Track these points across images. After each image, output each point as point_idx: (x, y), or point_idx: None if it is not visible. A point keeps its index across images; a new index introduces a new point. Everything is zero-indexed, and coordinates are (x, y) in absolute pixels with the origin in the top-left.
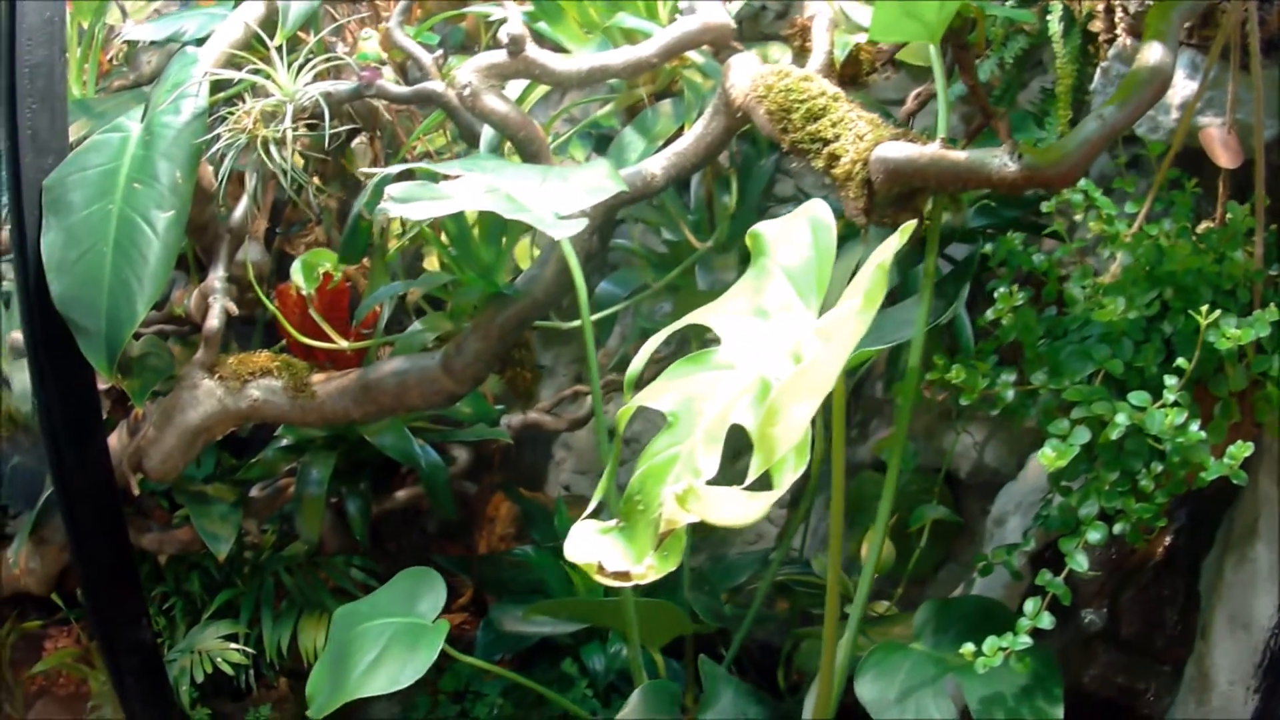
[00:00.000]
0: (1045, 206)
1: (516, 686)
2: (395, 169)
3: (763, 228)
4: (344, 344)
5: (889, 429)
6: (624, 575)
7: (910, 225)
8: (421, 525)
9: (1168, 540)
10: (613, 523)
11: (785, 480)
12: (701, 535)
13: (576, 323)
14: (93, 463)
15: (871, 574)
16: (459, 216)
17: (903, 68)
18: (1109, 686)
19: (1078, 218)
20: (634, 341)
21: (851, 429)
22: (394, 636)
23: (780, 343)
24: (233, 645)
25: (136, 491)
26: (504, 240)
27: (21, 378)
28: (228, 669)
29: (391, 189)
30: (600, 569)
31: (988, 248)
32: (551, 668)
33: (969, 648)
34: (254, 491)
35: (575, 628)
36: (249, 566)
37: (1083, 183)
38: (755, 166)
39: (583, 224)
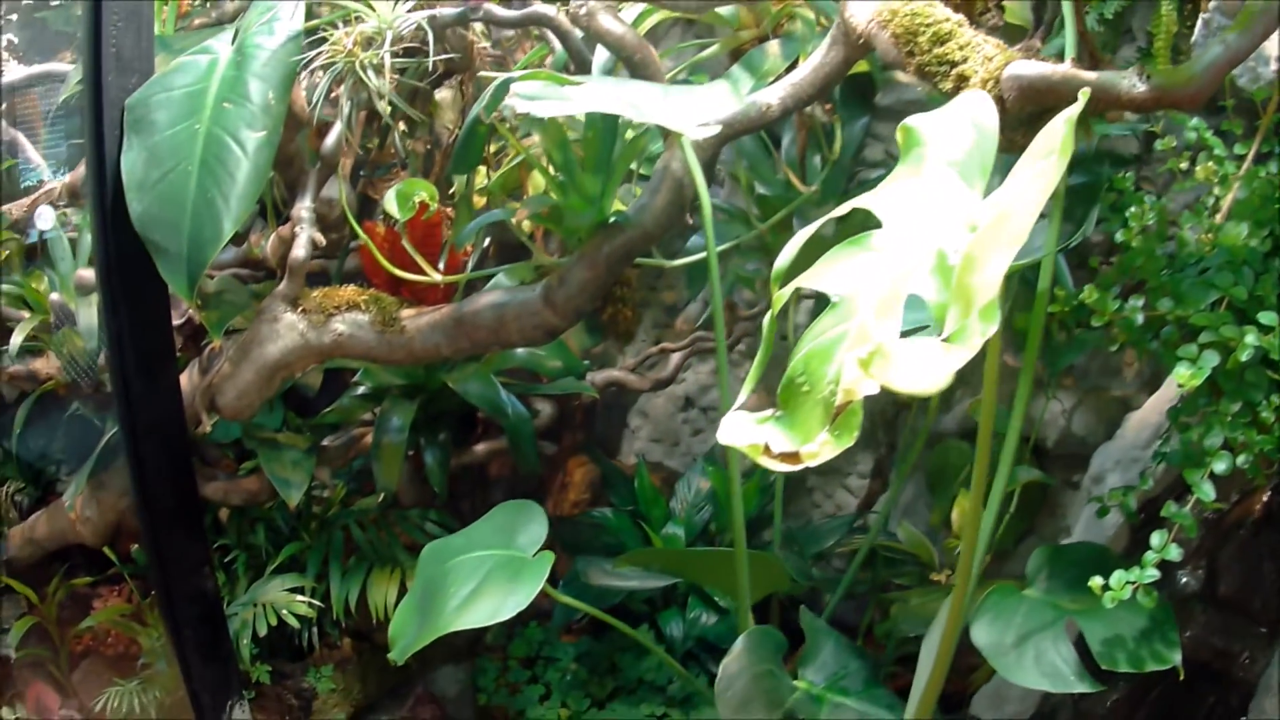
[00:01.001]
0: (1160, 144)
1: (590, 652)
2: (519, 73)
3: (915, 121)
4: (437, 277)
5: (974, 398)
6: (792, 456)
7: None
8: (496, 485)
9: (1266, 497)
10: (768, 413)
11: (974, 340)
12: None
13: (679, 261)
14: (163, 397)
15: (980, 533)
16: (564, 146)
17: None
18: (1204, 649)
19: (1183, 165)
20: (725, 298)
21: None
22: (493, 569)
23: (951, 218)
24: (299, 598)
25: (208, 428)
26: (611, 171)
27: (88, 314)
28: (293, 622)
29: (518, 86)
30: (766, 450)
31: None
32: (625, 636)
33: (1097, 581)
34: (327, 441)
35: (663, 583)
36: (317, 521)
37: (1193, 121)
38: (850, 126)
39: (715, 130)
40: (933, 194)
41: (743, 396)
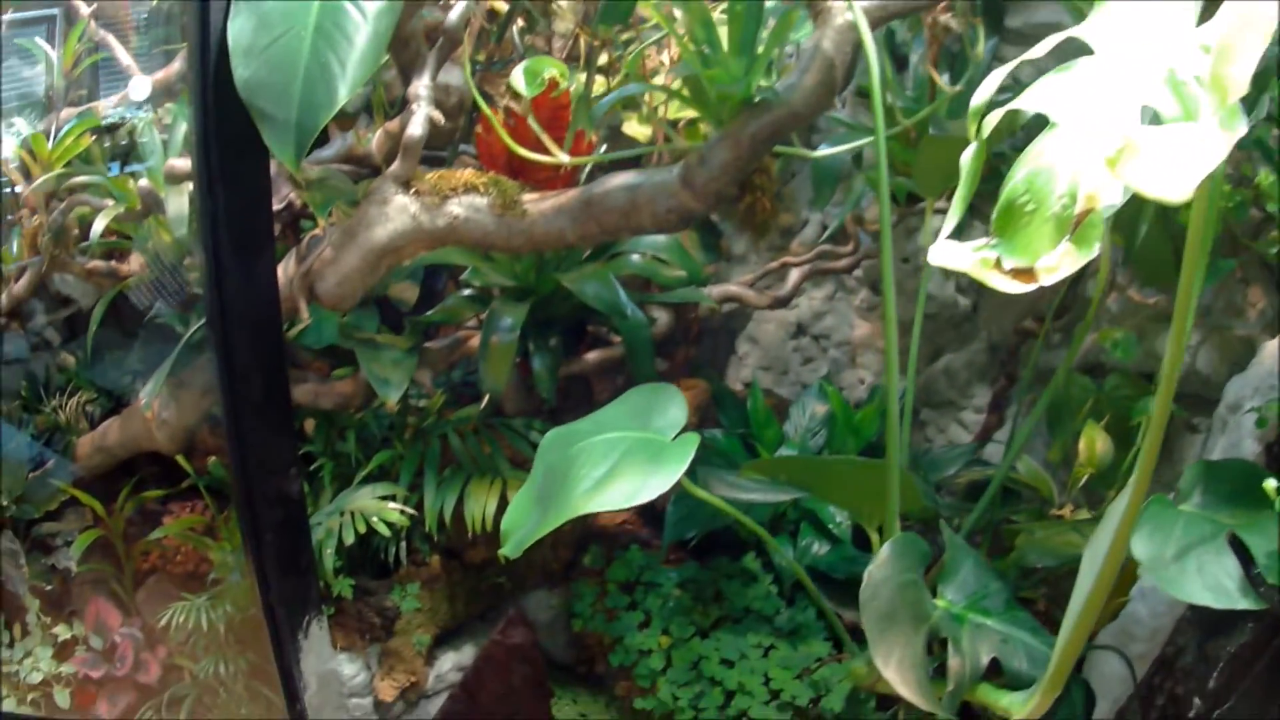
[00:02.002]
0: None
1: (694, 579)
2: None
3: None
4: (564, 158)
5: (1105, 329)
6: (1026, 273)
7: None
8: (604, 398)
9: None
10: (982, 241)
11: (1237, 129)
12: None
13: (820, 152)
14: (258, 282)
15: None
16: (709, 25)
17: None
18: None
19: None
20: (851, 210)
21: (1054, 332)
22: (628, 451)
23: (1174, 39)
24: (391, 505)
25: (306, 318)
26: (756, 52)
27: (178, 202)
28: (383, 530)
29: None
30: (997, 265)
31: None
32: (732, 563)
33: (1271, 484)
34: (430, 344)
35: (788, 496)
36: (411, 431)
37: None
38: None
39: None
40: (1148, 19)
41: (950, 224)
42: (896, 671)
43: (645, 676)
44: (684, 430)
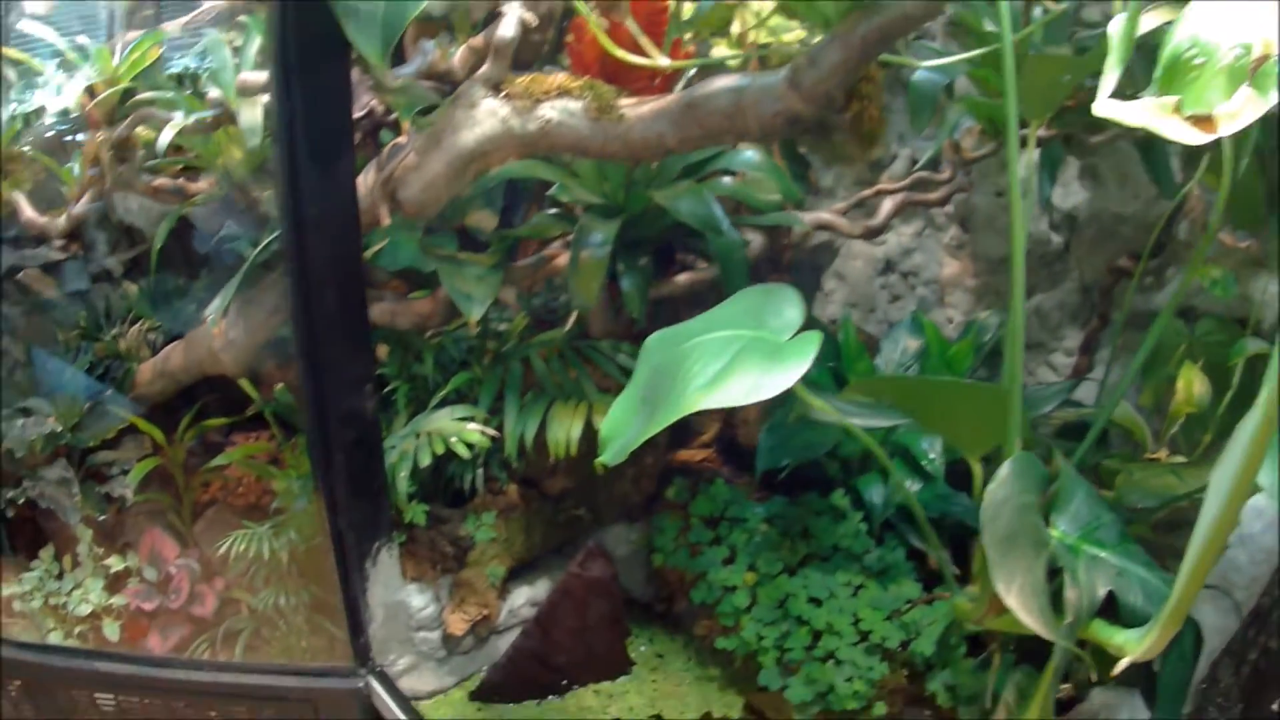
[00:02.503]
0: None
1: (781, 515)
2: None
3: None
4: (664, 61)
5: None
6: (1206, 121)
7: None
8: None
9: None
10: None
11: None
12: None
13: (929, 62)
14: (336, 188)
15: None
16: None
17: None
18: None
19: None
20: (947, 138)
21: (1148, 275)
22: (745, 349)
23: None
24: (472, 426)
25: (387, 221)
26: None
27: (251, 113)
28: (462, 451)
29: None
30: (1176, 109)
31: None
32: (820, 500)
33: None
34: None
35: (889, 422)
36: (490, 356)
37: None
38: None
39: None
40: None
41: (1108, 87)
42: (1018, 598)
43: (729, 614)
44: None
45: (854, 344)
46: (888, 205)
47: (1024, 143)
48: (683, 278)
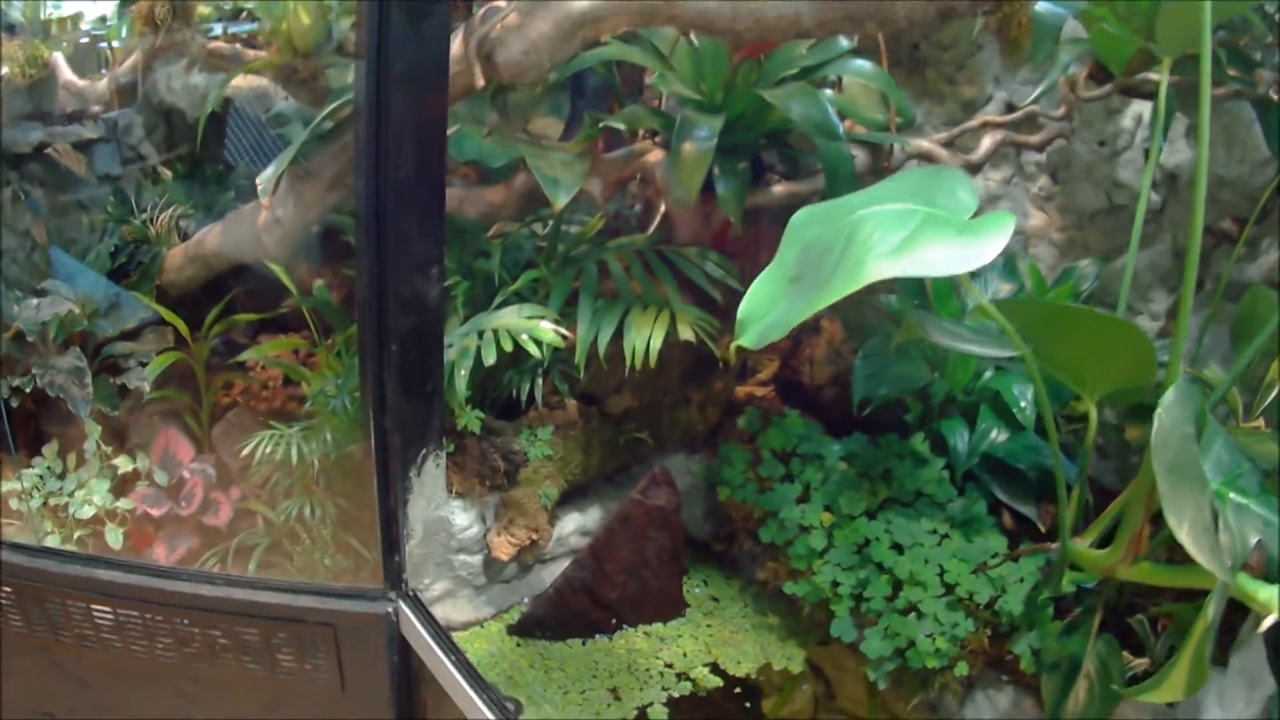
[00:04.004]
0: None
1: (860, 454)
2: None
3: None
4: None
5: None
6: None
7: None
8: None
9: None
10: None
11: None
12: None
13: None
14: (428, 40)
15: None
16: None
17: None
18: None
19: None
20: (1061, 74)
21: (1243, 245)
22: (926, 223)
23: None
24: (545, 323)
25: (480, 83)
26: None
27: None
28: (534, 350)
29: None
30: None
31: None
32: (901, 442)
33: None
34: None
35: (1007, 353)
36: (559, 259)
37: None
38: None
39: None
40: None
41: None
42: (1189, 535)
43: (801, 557)
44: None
45: (943, 283)
46: (987, 143)
47: (1140, 90)
48: (779, 189)
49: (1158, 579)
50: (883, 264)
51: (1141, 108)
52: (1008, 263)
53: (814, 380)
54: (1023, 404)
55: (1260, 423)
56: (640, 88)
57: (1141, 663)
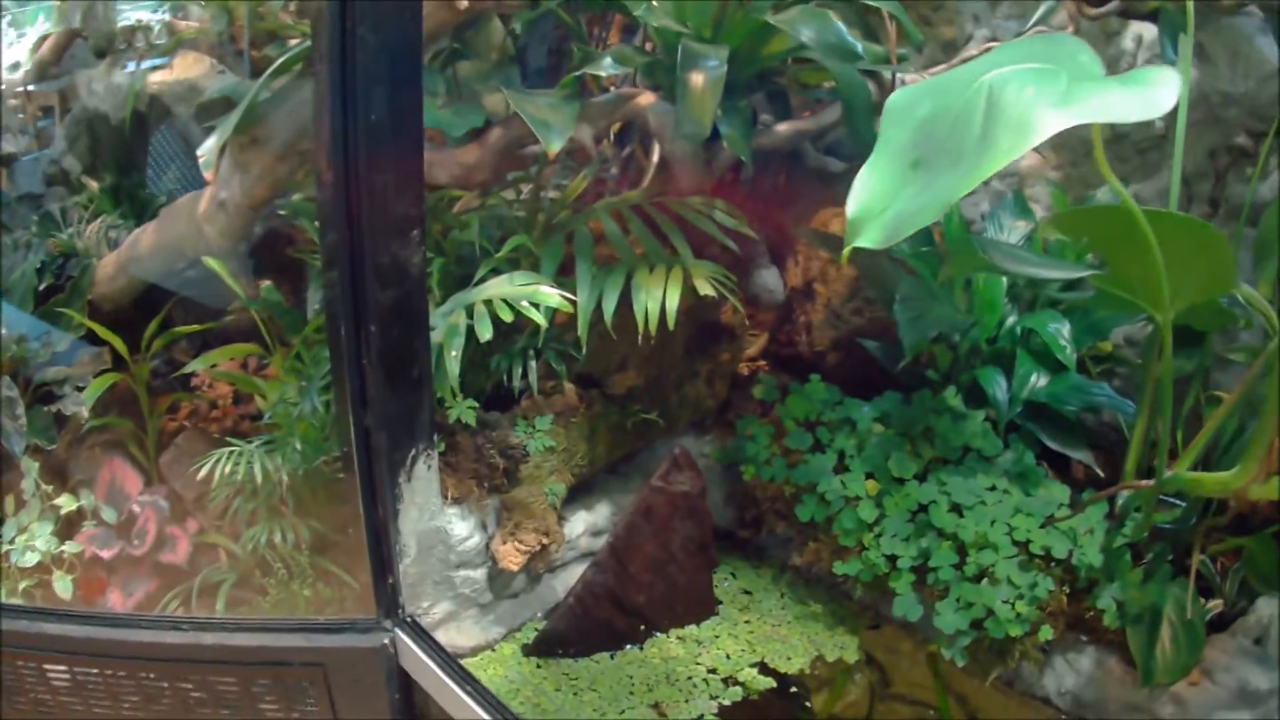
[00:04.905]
0: None
1: (894, 414)
2: None
3: None
4: None
5: None
6: None
7: None
8: (799, 173)
9: None
10: None
11: None
12: None
13: None
14: None
15: None
16: None
17: None
18: None
19: None
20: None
21: (1249, 163)
22: (1076, 76)
23: None
24: (545, 288)
25: (464, 3)
26: None
27: None
28: (537, 316)
29: None
30: None
31: None
32: (934, 398)
33: None
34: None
35: (1076, 274)
36: (541, 228)
37: None
38: None
39: None
40: None
41: None
42: None
43: (850, 532)
44: None
45: (957, 225)
46: None
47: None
48: (782, 127)
49: None
50: (1055, 115)
51: (1141, 29)
52: (1017, 198)
53: (814, 347)
54: (1062, 342)
55: None
56: (602, 42)
57: (1215, 604)
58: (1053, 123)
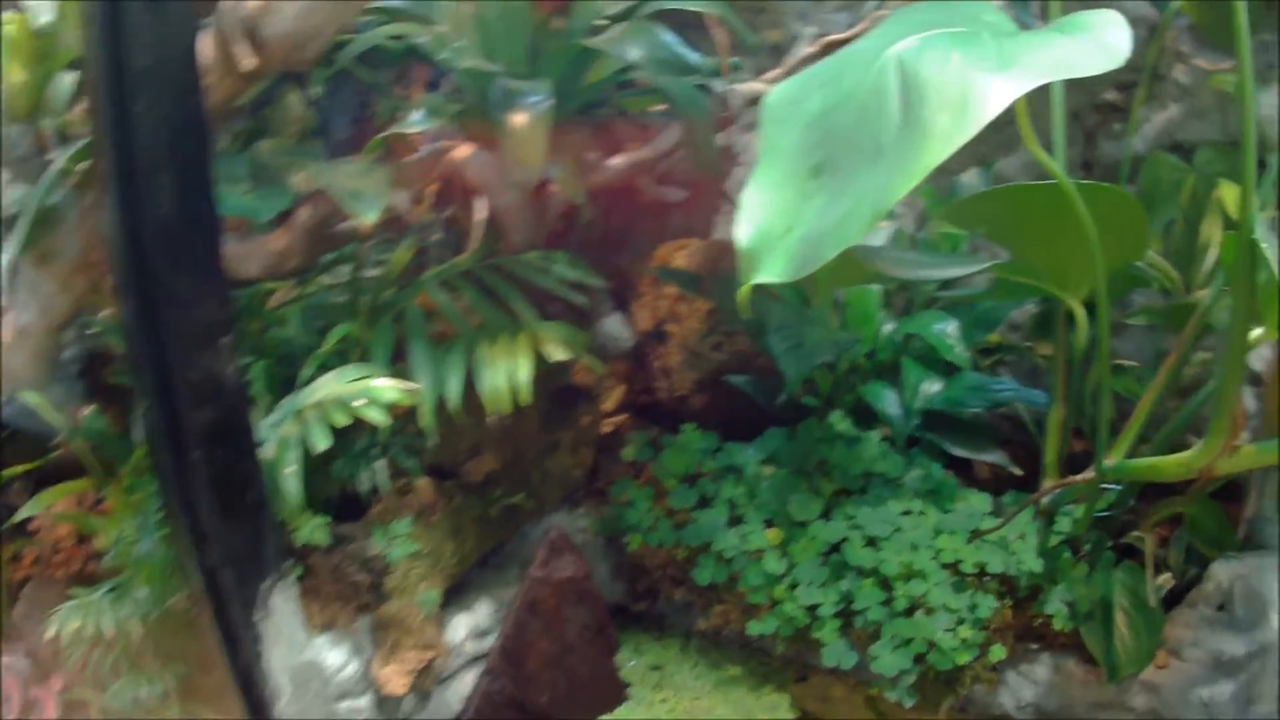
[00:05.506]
0: None
1: (783, 452)
2: None
3: None
4: None
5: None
6: None
7: None
8: (648, 211)
9: None
10: None
11: None
12: None
13: None
14: (171, 25)
15: None
16: None
17: None
18: None
19: None
20: None
21: (1116, 119)
22: (1002, 35)
23: None
24: (383, 381)
25: (250, 63)
26: None
27: None
28: (377, 418)
29: None
30: None
31: None
32: (821, 425)
33: None
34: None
35: (968, 269)
36: (366, 313)
37: None
38: None
39: None
40: None
41: None
42: None
43: (759, 588)
44: None
45: None
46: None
47: None
48: (617, 160)
49: (1273, 456)
50: (1002, 81)
51: None
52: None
53: (676, 392)
54: (950, 342)
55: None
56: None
57: (1165, 579)
58: (1002, 90)
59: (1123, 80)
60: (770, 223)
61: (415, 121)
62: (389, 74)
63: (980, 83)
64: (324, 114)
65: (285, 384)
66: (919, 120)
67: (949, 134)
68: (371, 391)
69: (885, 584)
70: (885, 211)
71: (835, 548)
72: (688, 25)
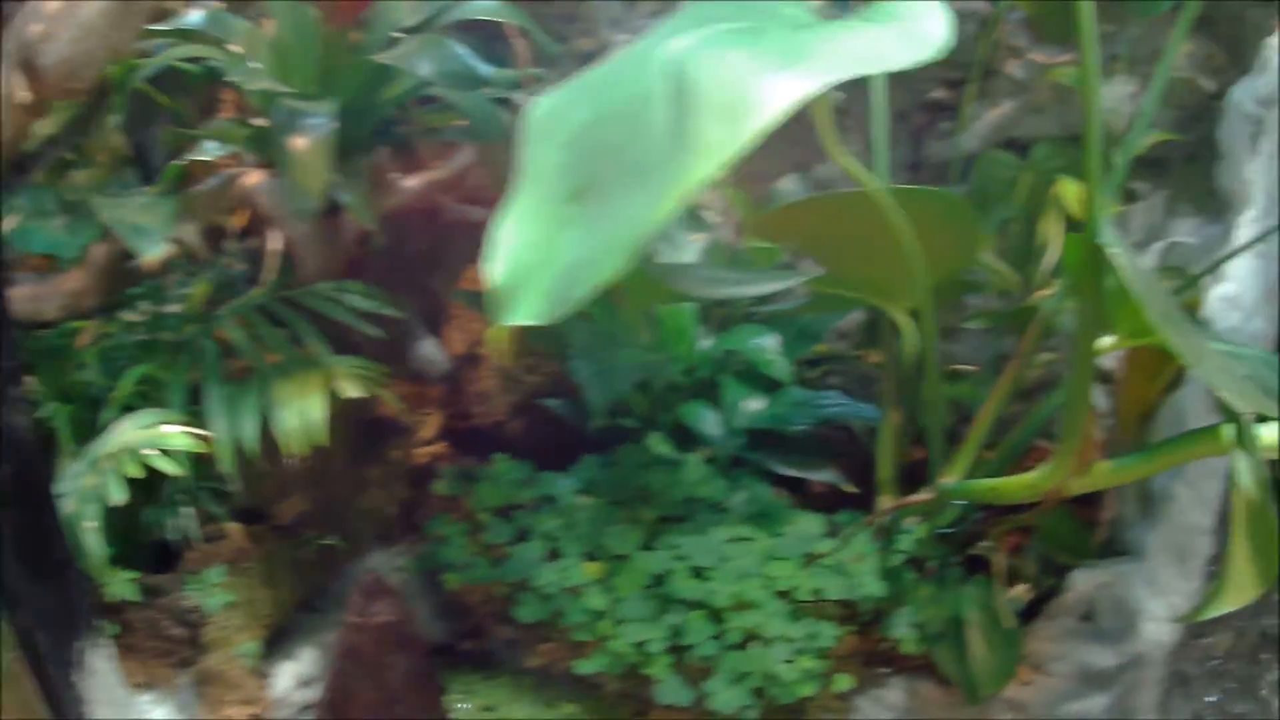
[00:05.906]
0: None
1: (600, 480)
2: None
3: None
4: None
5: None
6: None
7: None
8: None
9: None
10: None
11: None
12: None
13: None
14: None
15: None
16: None
17: None
18: None
19: None
20: None
21: (944, 117)
22: (799, 26)
23: None
24: (170, 428)
25: (26, 96)
26: None
27: None
28: (170, 467)
29: None
30: None
31: None
32: (638, 449)
33: None
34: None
35: (777, 285)
36: (168, 347)
37: None
38: None
39: None
40: None
41: None
42: (1221, 378)
43: (583, 626)
44: None
45: None
46: None
47: None
48: (412, 182)
49: (1130, 473)
50: (786, 80)
51: None
52: (690, 211)
53: (492, 417)
54: (770, 357)
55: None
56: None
57: (1020, 591)
58: (783, 90)
59: (952, 77)
60: (524, 256)
61: (209, 148)
62: (193, 100)
63: (757, 84)
64: (137, 142)
65: (91, 428)
66: (687, 130)
67: (721, 146)
68: (161, 440)
69: (716, 616)
70: (646, 239)
71: (660, 579)
72: (497, 38)
